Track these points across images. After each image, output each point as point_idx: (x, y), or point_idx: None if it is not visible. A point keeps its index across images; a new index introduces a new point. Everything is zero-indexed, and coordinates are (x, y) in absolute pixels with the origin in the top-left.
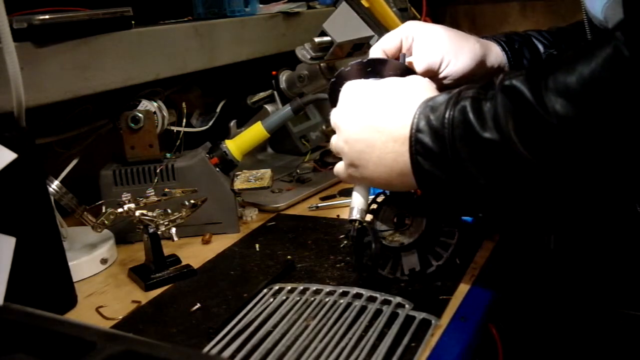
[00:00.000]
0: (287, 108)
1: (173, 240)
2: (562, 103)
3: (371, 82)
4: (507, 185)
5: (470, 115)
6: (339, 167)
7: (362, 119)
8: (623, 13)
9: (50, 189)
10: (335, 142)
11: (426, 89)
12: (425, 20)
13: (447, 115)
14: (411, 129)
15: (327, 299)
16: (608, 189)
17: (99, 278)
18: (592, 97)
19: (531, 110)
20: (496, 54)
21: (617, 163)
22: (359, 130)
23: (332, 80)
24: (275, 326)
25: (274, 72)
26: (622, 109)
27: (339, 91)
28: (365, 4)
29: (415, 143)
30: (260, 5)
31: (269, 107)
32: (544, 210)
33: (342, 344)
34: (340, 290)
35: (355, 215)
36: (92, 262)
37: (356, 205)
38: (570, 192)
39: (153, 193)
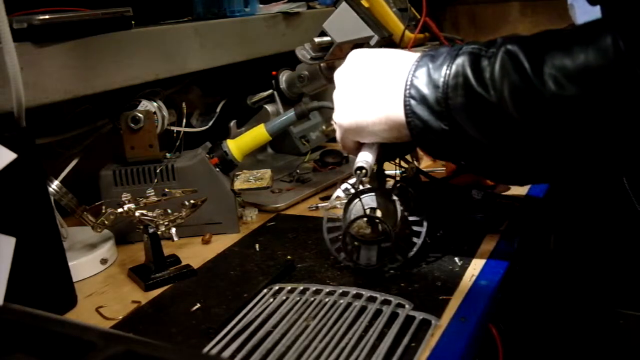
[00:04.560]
0: (291, 113)
1: (173, 240)
2: (555, 81)
3: (376, 49)
4: (493, 138)
5: (468, 69)
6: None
7: (360, 70)
8: (621, 6)
9: (50, 189)
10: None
11: None
12: (425, 21)
13: (445, 65)
14: (409, 73)
15: (327, 299)
16: (587, 160)
17: (99, 278)
18: (585, 81)
19: (527, 79)
20: None
21: (600, 140)
22: (354, 78)
23: None
24: (275, 326)
25: (274, 72)
26: (612, 96)
27: None
28: (365, 4)
29: (410, 87)
30: (260, 5)
31: (269, 107)
32: (523, 165)
33: (342, 344)
34: (340, 290)
35: (362, 163)
36: (92, 262)
37: (363, 157)
38: (552, 154)
39: (153, 193)
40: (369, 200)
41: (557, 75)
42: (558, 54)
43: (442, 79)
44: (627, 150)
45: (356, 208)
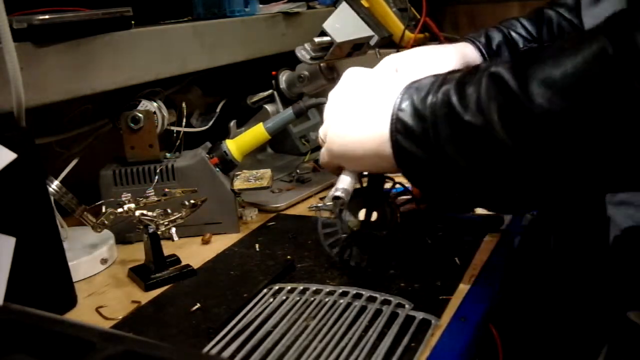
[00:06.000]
0: (289, 111)
1: (173, 240)
2: (545, 95)
3: (370, 70)
4: (484, 168)
5: (454, 98)
6: (322, 151)
7: (351, 94)
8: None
9: (50, 189)
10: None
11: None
12: (425, 21)
13: (430, 96)
14: (394, 107)
15: (327, 299)
16: (583, 180)
17: (99, 278)
18: (575, 92)
19: (514, 98)
20: (473, 57)
21: (595, 157)
22: (344, 103)
23: None
24: (275, 326)
25: (274, 72)
26: (605, 106)
27: None
28: (365, 4)
29: (395, 121)
30: (260, 5)
31: (268, 107)
32: (518, 193)
33: (342, 344)
34: (340, 290)
35: (339, 193)
36: (92, 262)
37: (341, 184)
38: (546, 178)
39: (153, 193)
40: (365, 202)
41: (545, 90)
42: (546, 68)
43: (427, 110)
44: (625, 168)
45: (352, 211)
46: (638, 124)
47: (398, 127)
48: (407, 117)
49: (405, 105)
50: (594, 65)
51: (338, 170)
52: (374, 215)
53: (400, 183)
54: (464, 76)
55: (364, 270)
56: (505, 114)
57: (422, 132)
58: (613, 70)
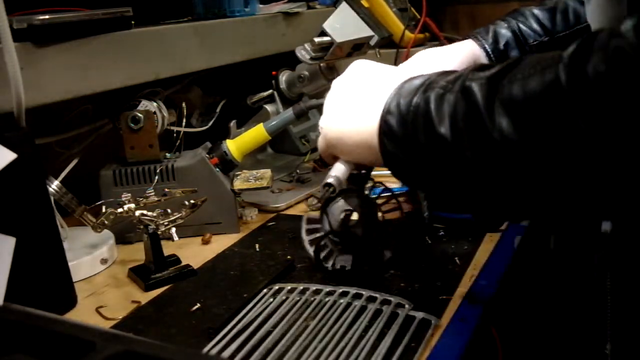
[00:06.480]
0: (290, 112)
1: (173, 240)
2: (507, 121)
3: (377, 63)
4: (453, 179)
5: (432, 107)
6: (319, 138)
7: (352, 85)
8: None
9: (50, 189)
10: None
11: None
12: (425, 21)
13: (413, 102)
14: (384, 107)
15: (327, 299)
16: (540, 207)
17: (99, 278)
18: (529, 122)
19: (480, 119)
20: (482, 57)
21: (546, 188)
22: (345, 93)
23: None
24: (275, 326)
25: (274, 72)
26: (552, 142)
27: None
28: (365, 4)
29: (383, 123)
30: (260, 5)
31: (269, 107)
32: (485, 208)
33: (342, 344)
34: (340, 290)
35: (331, 180)
36: (92, 262)
37: (335, 172)
38: (506, 199)
39: (153, 193)
40: (346, 202)
41: (506, 115)
42: (514, 88)
43: (410, 116)
44: (578, 202)
45: (334, 210)
46: (584, 164)
47: (384, 129)
48: (393, 119)
49: (393, 106)
50: (547, 96)
51: (334, 160)
52: (355, 215)
53: (381, 183)
54: (448, 84)
55: (325, 268)
56: (472, 132)
57: (403, 137)
58: (562, 105)
